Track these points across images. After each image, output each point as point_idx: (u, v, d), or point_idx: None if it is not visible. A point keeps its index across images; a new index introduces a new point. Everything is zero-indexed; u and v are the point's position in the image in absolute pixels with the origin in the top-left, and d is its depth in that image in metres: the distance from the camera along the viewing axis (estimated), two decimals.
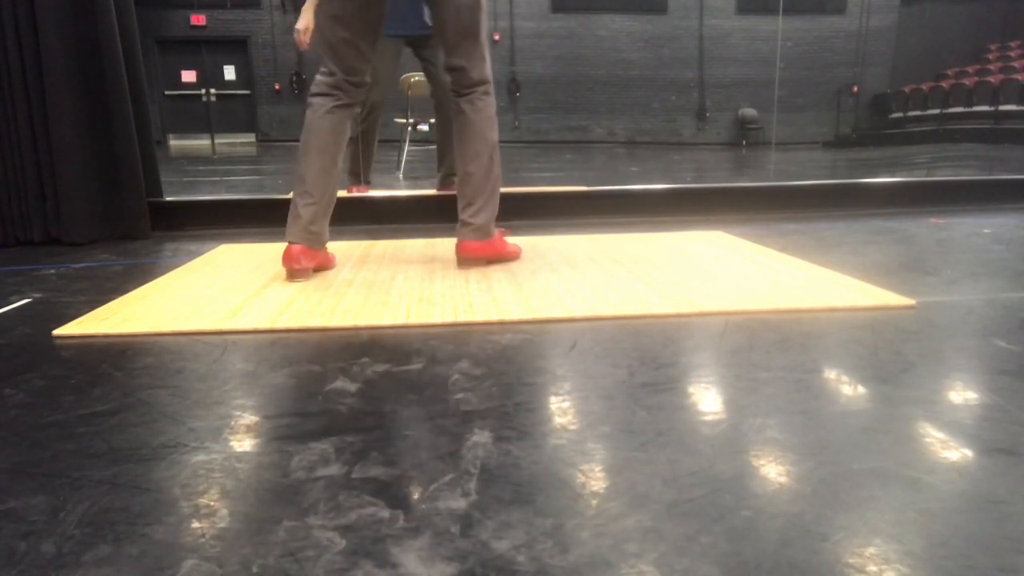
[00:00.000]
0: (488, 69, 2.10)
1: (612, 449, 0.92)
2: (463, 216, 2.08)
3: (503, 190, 2.23)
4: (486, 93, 2.08)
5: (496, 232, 2.14)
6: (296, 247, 1.98)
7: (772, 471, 0.86)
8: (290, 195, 2.17)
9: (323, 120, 2.01)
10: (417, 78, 5.70)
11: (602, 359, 1.28)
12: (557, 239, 2.56)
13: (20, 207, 2.60)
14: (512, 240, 2.54)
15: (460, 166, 2.09)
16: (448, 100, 2.17)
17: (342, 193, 2.55)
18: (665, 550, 0.70)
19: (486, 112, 2.08)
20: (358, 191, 3.64)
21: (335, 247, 2.47)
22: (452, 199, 2.18)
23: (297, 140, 2.14)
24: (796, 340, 1.37)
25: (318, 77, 2.03)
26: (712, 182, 5.56)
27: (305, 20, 3.01)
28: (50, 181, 2.60)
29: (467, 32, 2.02)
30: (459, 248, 2.10)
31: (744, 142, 14.86)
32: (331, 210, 2.12)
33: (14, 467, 0.90)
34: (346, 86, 2.02)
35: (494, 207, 2.11)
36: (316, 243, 2.04)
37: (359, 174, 3.74)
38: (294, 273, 1.97)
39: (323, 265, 2.11)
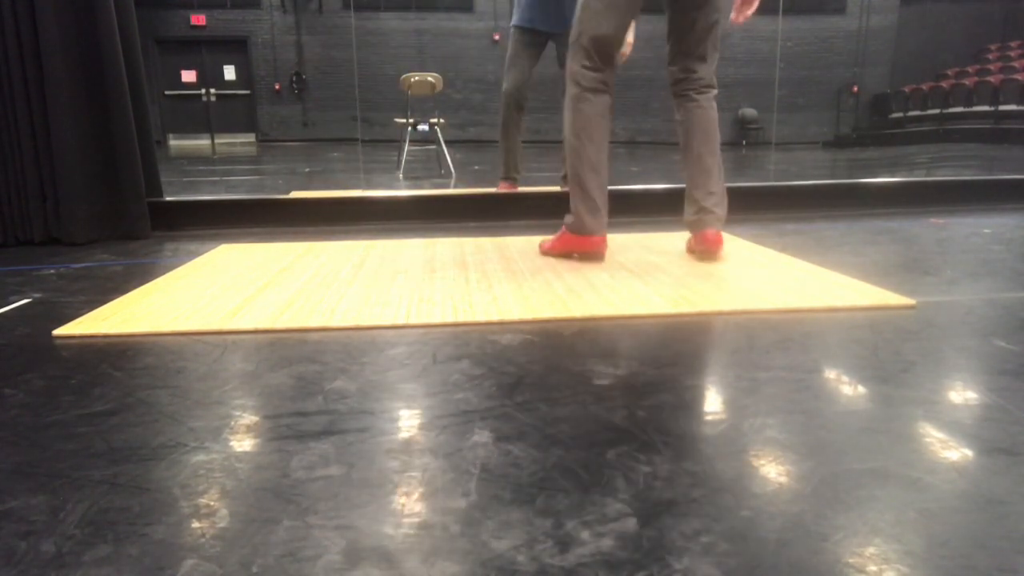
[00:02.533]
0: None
1: (612, 449, 0.92)
2: (707, 204, 2.14)
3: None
4: (715, 96, 2.24)
5: None
6: (600, 237, 2.12)
7: (772, 471, 0.86)
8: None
9: (602, 121, 2.11)
10: (417, 78, 5.71)
11: (602, 359, 1.28)
12: None
13: (20, 207, 2.60)
14: (513, 239, 2.54)
15: (704, 158, 2.16)
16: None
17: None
18: (666, 550, 0.70)
19: (715, 111, 2.23)
20: (506, 187, 3.70)
21: (335, 247, 2.47)
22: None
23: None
24: (796, 340, 1.37)
25: (583, 71, 2.08)
26: None
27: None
28: (50, 181, 2.60)
29: (715, 36, 2.20)
30: (704, 238, 2.14)
31: (744, 142, 14.86)
32: None
33: (14, 467, 0.90)
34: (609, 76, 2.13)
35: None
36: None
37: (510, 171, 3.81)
38: (601, 257, 2.15)
39: None
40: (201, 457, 0.91)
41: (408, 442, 0.95)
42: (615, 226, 2.89)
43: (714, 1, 2.14)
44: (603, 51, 2.05)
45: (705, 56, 2.18)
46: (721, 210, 2.16)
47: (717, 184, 2.16)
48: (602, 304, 1.63)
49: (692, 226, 2.19)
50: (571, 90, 2.09)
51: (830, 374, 1.19)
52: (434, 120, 5.75)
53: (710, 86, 2.21)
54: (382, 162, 7.93)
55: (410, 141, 5.77)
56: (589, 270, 2.01)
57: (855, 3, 14.86)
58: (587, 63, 2.06)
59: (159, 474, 0.87)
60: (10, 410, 1.08)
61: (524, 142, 3.91)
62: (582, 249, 2.13)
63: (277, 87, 14.41)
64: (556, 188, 3.64)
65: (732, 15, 2.62)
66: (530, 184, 4.59)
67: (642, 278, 1.90)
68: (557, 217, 3.13)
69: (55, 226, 2.63)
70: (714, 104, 2.21)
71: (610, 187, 2.12)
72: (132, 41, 2.72)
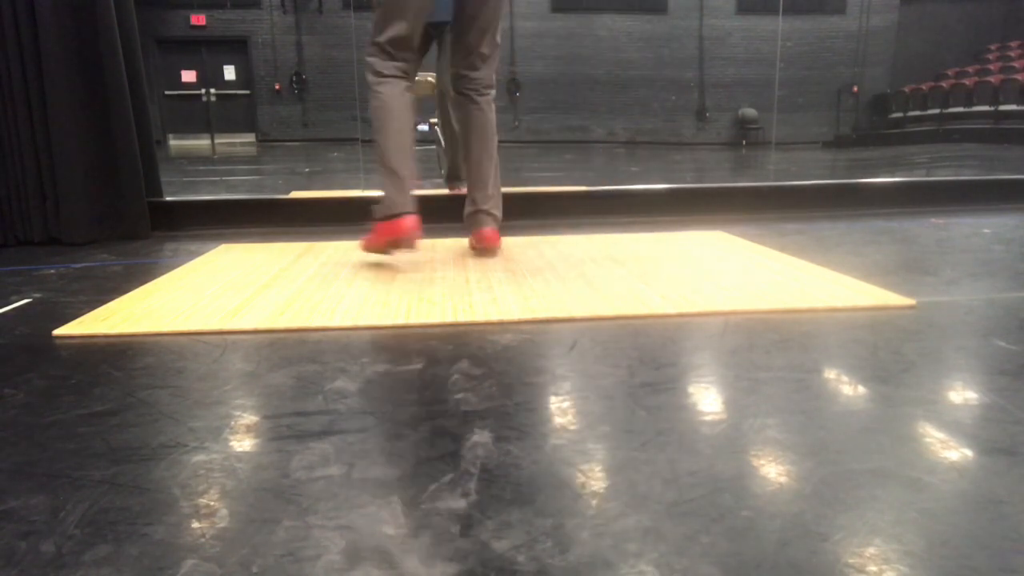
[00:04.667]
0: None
1: (612, 449, 0.92)
2: (486, 207, 2.24)
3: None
4: (494, 98, 2.29)
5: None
6: (412, 217, 2.03)
7: (772, 471, 0.86)
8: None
9: (401, 100, 2.10)
10: (417, 78, 5.71)
11: (602, 359, 1.28)
12: (557, 239, 2.56)
13: (20, 207, 2.60)
14: (512, 239, 2.54)
15: (482, 163, 2.25)
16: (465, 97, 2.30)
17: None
18: (665, 550, 0.70)
19: (494, 113, 2.30)
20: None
21: (335, 247, 2.47)
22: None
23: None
24: (796, 340, 1.37)
25: (382, 62, 2.07)
26: (712, 182, 5.57)
27: None
28: (50, 181, 2.60)
29: (493, 37, 2.22)
30: (482, 237, 2.24)
31: (744, 142, 14.86)
32: None
33: (14, 467, 0.90)
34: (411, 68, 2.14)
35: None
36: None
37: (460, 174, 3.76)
38: (412, 245, 2.06)
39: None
40: (201, 457, 0.91)
41: (408, 442, 0.95)
42: (615, 226, 2.89)
43: (494, 2, 2.16)
44: (401, 45, 2.07)
45: (484, 57, 2.23)
46: (497, 211, 2.27)
47: (493, 187, 2.26)
48: (602, 304, 1.63)
49: (469, 222, 2.27)
50: (369, 78, 2.11)
51: (830, 374, 1.19)
52: (434, 120, 5.75)
53: (489, 87, 2.27)
54: None
55: None
56: (588, 270, 2.01)
57: (855, 3, 14.86)
58: (383, 57, 2.08)
59: (159, 474, 0.87)
60: (10, 410, 1.08)
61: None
62: (392, 235, 2.04)
63: (277, 87, 14.40)
64: (553, 188, 3.64)
65: None
66: (530, 184, 4.59)
67: (642, 278, 1.90)
68: (558, 216, 3.13)
69: (55, 226, 2.63)
70: (492, 106, 2.28)
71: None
72: (132, 41, 2.72)
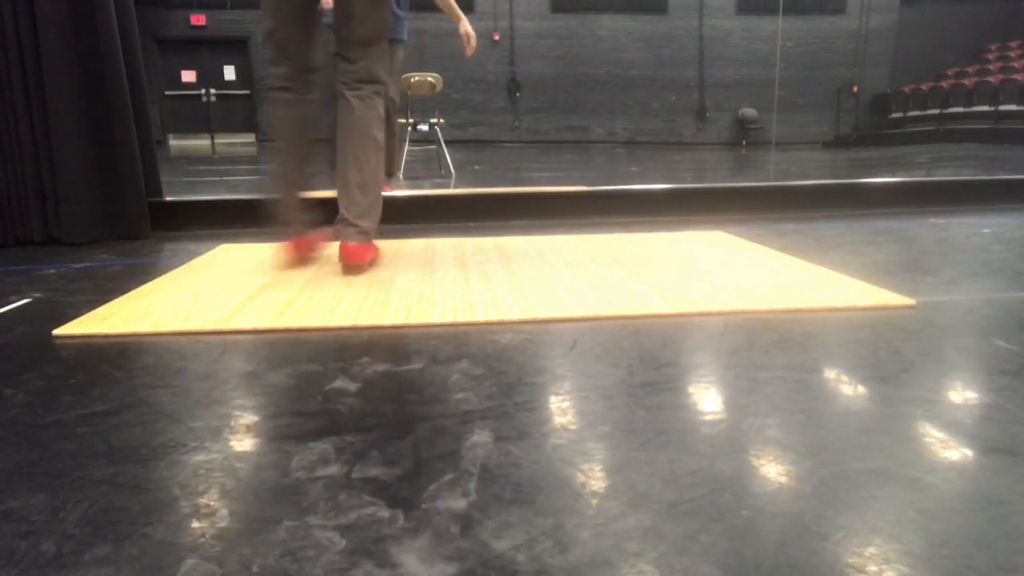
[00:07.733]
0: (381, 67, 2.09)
1: (612, 449, 0.92)
2: (350, 216, 2.01)
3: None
4: (376, 93, 2.05)
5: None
6: (289, 236, 2.04)
7: (772, 471, 0.86)
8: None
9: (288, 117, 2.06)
10: (417, 78, 5.71)
11: (602, 359, 1.28)
12: (557, 239, 2.56)
13: (20, 207, 2.60)
14: (513, 239, 2.54)
15: (347, 168, 2.02)
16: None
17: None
18: (665, 550, 0.70)
19: (378, 110, 2.05)
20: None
21: (335, 246, 2.47)
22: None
23: None
24: (796, 340, 1.37)
25: (271, 70, 2.03)
26: (712, 182, 5.56)
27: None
28: (50, 181, 2.60)
29: (376, 21, 2.03)
30: (341, 251, 2.03)
31: (744, 142, 14.86)
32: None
33: (14, 467, 0.90)
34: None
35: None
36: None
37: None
38: (291, 262, 2.02)
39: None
40: (201, 457, 0.91)
41: (408, 442, 0.95)
42: (615, 226, 2.89)
43: None
44: (278, 46, 1.98)
45: (355, 45, 2.00)
46: (365, 222, 2.00)
47: (361, 195, 2.00)
48: (602, 304, 1.63)
49: (335, 232, 2.05)
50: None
51: (830, 374, 1.19)
52: (434, 120, 5.75)
53: (364, 81, 2.01)
54: None
55: (410, 141, 5.77)
56: (588, 270, 2.01)
57: (855, 3, 14.86)
58: (270, 61, 1.99)
59: (159, 474, 0.87)
60: (10, 410, 1.08)
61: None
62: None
63: None
64: (553, 188, 3.63)
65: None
66: (530, 184, 4.59)
67: (642, 278, 1.90)
68: (558, 216, 3.13)
69: (55, 226, 2.63)
70: (369, 104, 2.02)
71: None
72: (132, 41, 2.72)
